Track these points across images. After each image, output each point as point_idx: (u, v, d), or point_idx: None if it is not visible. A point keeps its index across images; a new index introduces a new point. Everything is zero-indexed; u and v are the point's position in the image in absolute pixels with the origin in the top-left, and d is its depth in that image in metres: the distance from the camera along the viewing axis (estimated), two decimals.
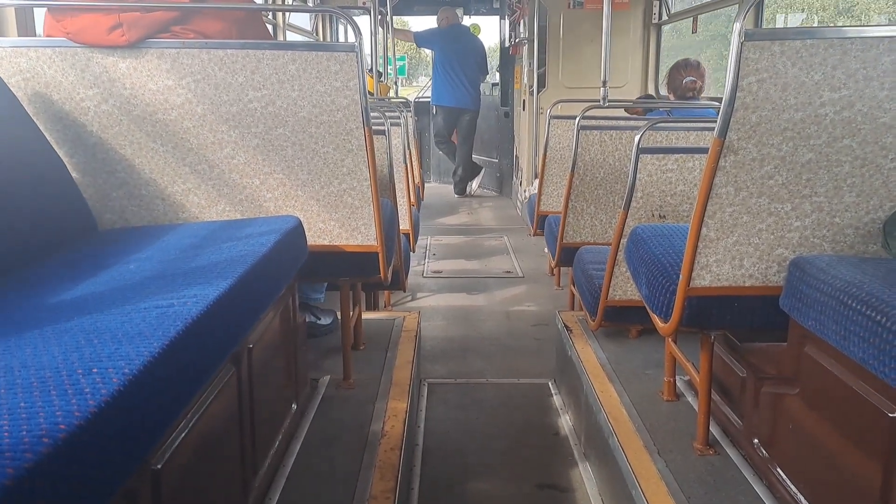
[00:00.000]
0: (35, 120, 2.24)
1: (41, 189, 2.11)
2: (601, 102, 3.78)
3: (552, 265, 4.29)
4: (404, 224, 3.82)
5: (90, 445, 0.94)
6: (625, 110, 4.70)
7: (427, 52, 15.88)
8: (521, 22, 7.93)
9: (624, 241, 2.60)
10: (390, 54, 8.61)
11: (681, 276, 1.96)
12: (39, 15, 2.51)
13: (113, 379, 1.05)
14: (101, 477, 0.96)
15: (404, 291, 5.05)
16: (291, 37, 6.08)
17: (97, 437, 0.95)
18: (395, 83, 7.91)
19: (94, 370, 1.07)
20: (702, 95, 4.21)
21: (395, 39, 9.31)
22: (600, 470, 2.61)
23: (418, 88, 15.72)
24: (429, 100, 10.09)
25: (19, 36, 2.46)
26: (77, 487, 0.90)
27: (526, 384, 3.67)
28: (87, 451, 0.93)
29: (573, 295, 4.16)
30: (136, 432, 1.06)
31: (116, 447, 1.00)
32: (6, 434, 0.88)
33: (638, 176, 2.80)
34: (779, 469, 1.95)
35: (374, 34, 6.73)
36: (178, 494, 1.39)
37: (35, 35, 2.53)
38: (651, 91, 6.85)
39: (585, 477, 2.73)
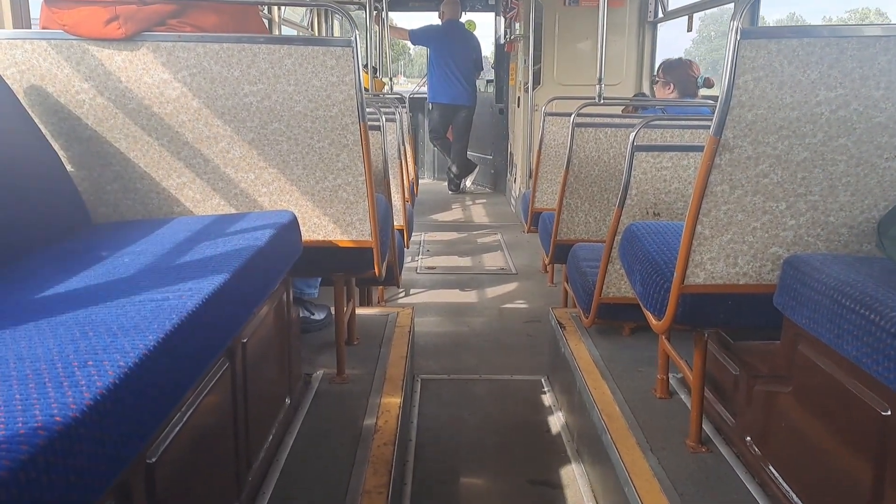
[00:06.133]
0: (30, 113, 2.23)
1: (36, 182, 2.11)
2: (596, 100, 3.78)
3: (546, 262, 4.29)
4: (398, 220, 3.82)
5: (86, 438, 0.94)
6: (622, 110, 4.70)
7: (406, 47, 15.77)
8: (517, 18, 7.93)
9: (618, 238, 2.60)
10: (385, 50, 8.59)
11: (675, 274, 1.97)
12: (35, 7, 2.51)
13: (108, 372, 1.04)
14: (96, 469, 0.96)
15: (398, 287, 5.06)
16: (286, 32, 6.07)
17: (93, 429, 0.95)
18: (391, 79, 7.91)
19: (90, 363, 1.07)
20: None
21: (391, 36, 9.30)
22: (593, 467, 2.62)
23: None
24: (423, 96, 10.08)
25: (14, 28, 2.45)
26: (72, 479, 0.90)
27: (519, 381, 3.67)
28: (82, 444, 0.93)
29: (566, 292, 4.16)
30: (131, 425, 1.06)
31: (111, 440, 0.99)
32: (2, 426, 0.87)
33: (633, 173, 2.81)
34: (771, 467, 1.95)
35: (368, 30, 6.72)
36: (171, 488, 1.39)
37: (31, 27, 2.52)
38: (644, 89, 6.86)
39: (578, 473, 2.74)
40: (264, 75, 2.26)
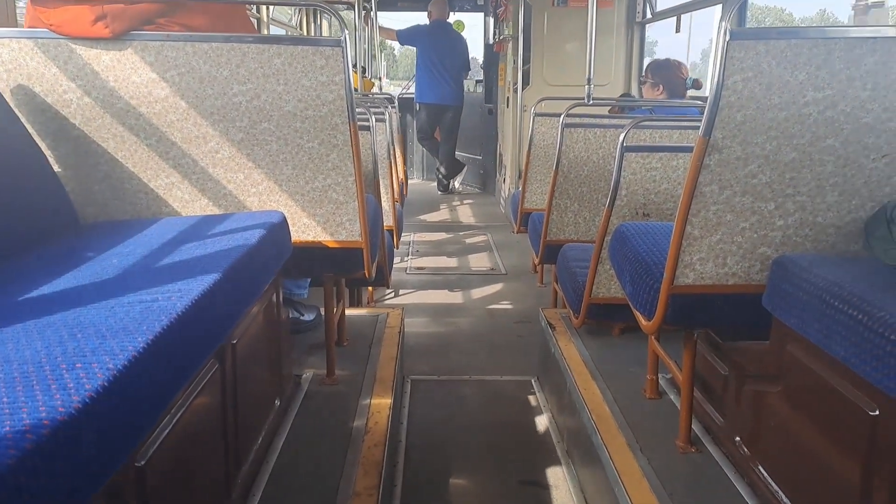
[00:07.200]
0: (17, 112, 2.21)
1: (22, 182, 2.09)
2: (585, 100, 3.78)
3: (535, 262, 4.29)
4: (388, 220, 3.82)
5: (74, 441, 0.93)
6: (609, 111, 4.70)
7: (389, 44, 15.65)
8: (506, 19, 7.93)
9: (608, 238, 2.60)
10: (374, 50, 8.58)
11: (664, 274, 1.97)
12: (21, 5, 2.49)
13: (97, 374, 1.04)
14: (86, 473, 0.95)
15: (388, 288, 5.05)
16: (275, 31, 6.05)
17: (81, 433, 0.94)
18: (380, 79, 7.90)
19: (78, 365, 1.06)
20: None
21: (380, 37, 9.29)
22: (583, 467, 2.62)
23: None
24: (412, 96, 10.08)
25: (0, 27, 2.43)
26: (61, 484, 0.89)
27: (509, 381, 3.67)
28: (71, 448, 0.92)
29: (556, 292, 4.16)
30: (120, 428, 1.05)
31: (101, 443, 0.99)
32: None
33: (622, 174, 2.81)
34: (760, 467, 1.96)
35: (357, 30, 6.71)
36: (162, 491, 1.38)
37: (17, 26, 2.51)
38: (633, 91, 6.87)
39: (568, 474, 2.74)
40: (253, 75, 2.26)
